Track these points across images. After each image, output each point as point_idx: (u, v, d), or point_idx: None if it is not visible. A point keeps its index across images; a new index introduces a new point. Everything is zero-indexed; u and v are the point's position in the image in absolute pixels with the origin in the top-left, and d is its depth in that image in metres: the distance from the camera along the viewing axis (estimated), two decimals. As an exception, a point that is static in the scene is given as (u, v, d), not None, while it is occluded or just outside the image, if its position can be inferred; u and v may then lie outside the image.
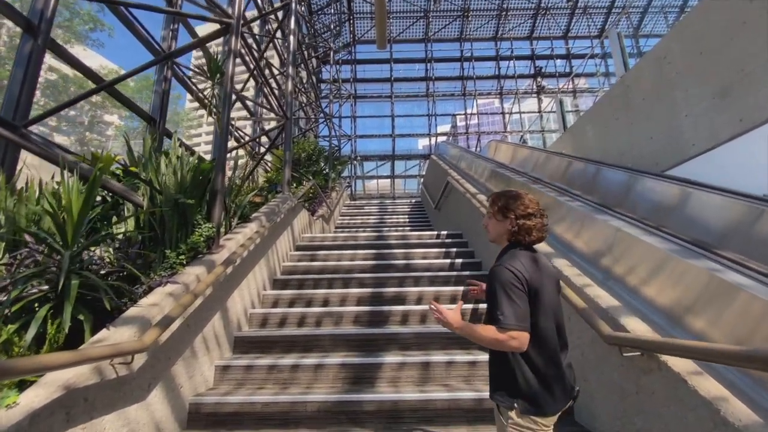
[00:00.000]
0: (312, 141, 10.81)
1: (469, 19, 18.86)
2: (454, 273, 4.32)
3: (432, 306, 1.44)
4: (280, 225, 4.71)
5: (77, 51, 13.82)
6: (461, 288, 3.95)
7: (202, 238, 2.89)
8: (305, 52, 14.45)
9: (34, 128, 2.95)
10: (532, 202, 1.48)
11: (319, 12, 16.99)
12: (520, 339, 1.26)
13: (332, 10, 16.77)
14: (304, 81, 14.29)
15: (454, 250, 4.95)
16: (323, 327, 3.50)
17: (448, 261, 4.64)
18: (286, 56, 5.87)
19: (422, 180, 12.00)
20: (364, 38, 19.55)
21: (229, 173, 6.12)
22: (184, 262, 2.72)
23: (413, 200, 12.60)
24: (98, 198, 2.90)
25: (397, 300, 3.88)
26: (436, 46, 19.70)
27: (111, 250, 2.62)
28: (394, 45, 19.64)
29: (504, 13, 18.57)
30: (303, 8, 15.40)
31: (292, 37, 5.82)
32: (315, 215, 7.31)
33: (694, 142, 4.36)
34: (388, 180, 18.99)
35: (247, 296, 3.54)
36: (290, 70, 5.67)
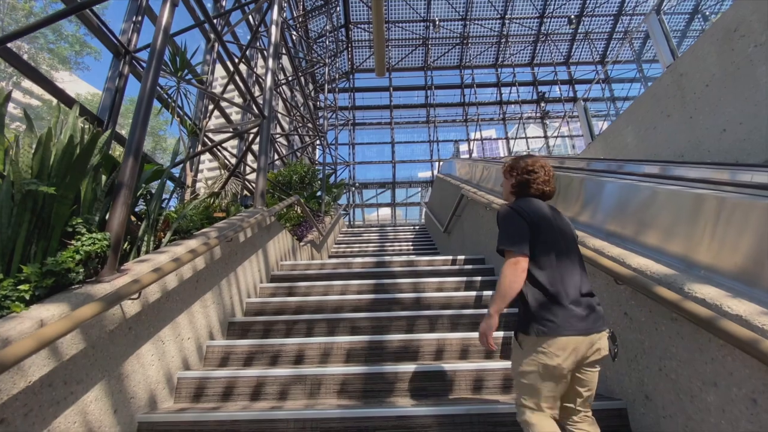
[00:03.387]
0: (305, 164, 9.85)
1: (469, 45, 18.60)
2: (484, 310, 3.06)
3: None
4: (246, 247, 3.52)
5: (62, 75, 13.21)
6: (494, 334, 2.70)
7: (78, 257, 1.70)
8: (302, 78, 13.87)
9: None
10: (537, 164, 1.67)
11: (318, 39, 16.70)
12: (516, 261, 1.43)
13: (330, 39, 16.45)
14: (300, 104, 13.61)
15: (478, 278, 3.71)
16: (290, 402, 2.21)
17: (473, 294, 3.39)
18: (266, 49, 4.94)
19: (426, 204, 10.91)
20: (362, 66, 19.24)
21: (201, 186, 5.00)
22: (28, 297, 1.51)
23: (416, 226, 11.43)
24: None
25: (406, 354, 2.61)
26: (436, 73, 19.33)
27: None
28: (394, 73, 19.30)
29: (504, 39, 18.31)
30: (301, 32, 15.06)
31: (274, 28, 4.92)
32: (303, 241, 6.12)
33: (799, 128, 3.26)
34: (389, 211, 17.93)
35: (173, 351, 2.28)
36: (270, 63, 4.71)
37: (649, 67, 19.30)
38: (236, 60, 5.51)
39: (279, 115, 11.83)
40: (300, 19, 14.70)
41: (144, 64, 5.08)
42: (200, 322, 2.61)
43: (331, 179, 13.26)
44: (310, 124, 11.64)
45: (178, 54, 4.85)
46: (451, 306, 3.29)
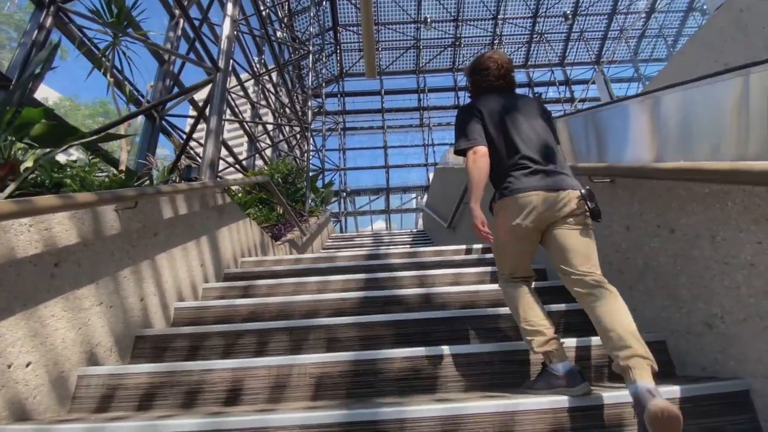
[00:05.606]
0: (288, 162, 8.88)
1: (462, 47, 18.01)
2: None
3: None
4: (178, 229, 2.45)
5: (26, 77, 12.13)
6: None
7: None
8: (288, 76, 13.03)
9: None
10: (489, 59, 1.67)
11: (306, 41, 15.94)
12: (474, 150, 1.51)
13: (319, 41, 15.71)
14: (286, 103, 12.72)
15: (509, 269, 2.68)
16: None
17: (506, 287, 2.35)
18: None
19: (425, 204, 9.95)
20: (352, 71, 18.51)
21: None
22: None
23: (413, 230, 10.42)
24: None
25: (416, 382, 1.55)
26: (429, 76, 18.69)
27: None
28: (385, 77, 18.59)
29: (498, 40, 17.75)
30: (286, 34, 14.29)
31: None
32: (280, 240, 5.06)
33: None
34: (384, 223, 16.86)
35: (-23, 392, 1.20)
36: (230, 8, 3.75)
37: (646, 66, 18.92)
38: (197, 24, 4.55)
39: (264, 110, 10.95)
40: (285, 20, 13.96)
41: (74, 18, 4.11)
42: (64, 336, 1.53)
43: (319, 183, 12.27)
44: (294, 118, 10.70)
45: (115, 1, 3.88)
46: (478, 305, 2.24)
